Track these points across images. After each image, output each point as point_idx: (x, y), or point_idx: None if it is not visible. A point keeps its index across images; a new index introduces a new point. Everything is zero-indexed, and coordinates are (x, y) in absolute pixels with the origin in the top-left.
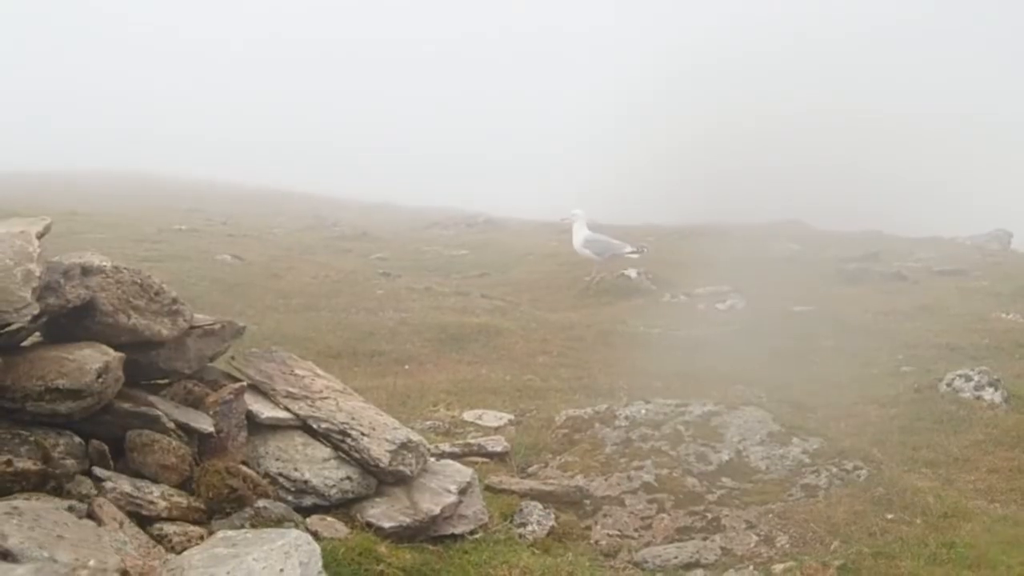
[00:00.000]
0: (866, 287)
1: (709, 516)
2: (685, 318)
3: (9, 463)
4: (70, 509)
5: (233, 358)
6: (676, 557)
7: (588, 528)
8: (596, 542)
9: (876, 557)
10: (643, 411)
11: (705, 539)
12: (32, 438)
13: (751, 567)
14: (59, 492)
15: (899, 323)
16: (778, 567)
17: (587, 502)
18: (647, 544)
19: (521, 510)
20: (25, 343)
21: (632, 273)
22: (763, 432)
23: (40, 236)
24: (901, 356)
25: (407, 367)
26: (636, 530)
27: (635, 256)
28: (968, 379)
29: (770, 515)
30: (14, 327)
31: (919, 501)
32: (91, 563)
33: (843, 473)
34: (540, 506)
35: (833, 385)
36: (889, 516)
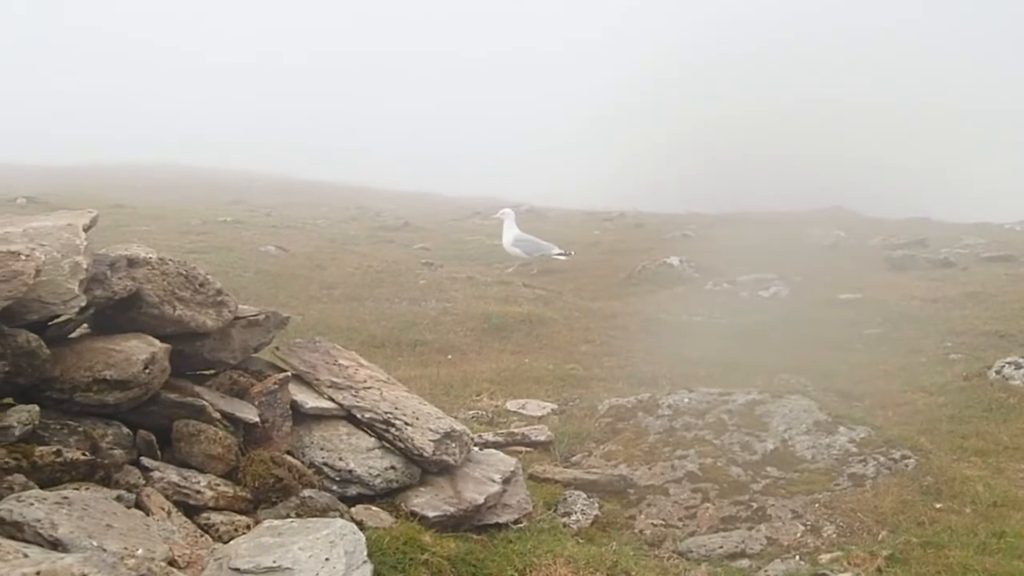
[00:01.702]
0: (912, 274)
1: (754, 506)
2: (728, 306)
3: (58, 453)
4: (118, 499)
5: (277, 348)
6: (721, 547)
7: (632, 517)
8: (640, 531)
9: (925, 547)
10: (686, 400)
11: (750, 529)
12: (81, 428)
13: (797, 557)
14: (107, 482)
15: (947, 310)
16: (825, 557)
17: (631, 491)
18: (691, 534)
19: (565, 499)
20: (73, 335)
21: (675, 261)
22: (809, 421)
23: (87, 229)
24: (949, 344)
25: (450, 356)
26: (680, 519)
27: (562, 258)
28: (1018, 366)
29: (816, 505)
30: (62, 319)
31: (968, 490)
32: (139, 552)
33: (891, 462)
34: (584, 495)
35: (880, 373)
36: (938, 505)
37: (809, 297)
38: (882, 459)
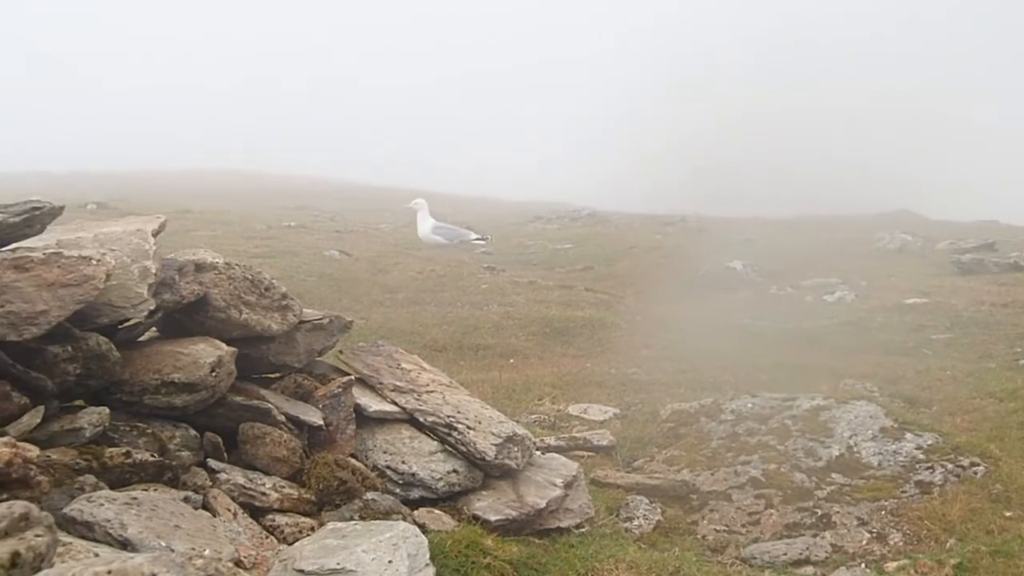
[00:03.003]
0: (981, 278)
1: (819, 512)
2: (792, 310)
3: (128, 454)
4: (186, 500)
5: (341, 352)
6: (785, 554)
7: (695, 523)
8: (703, 537)
9: (994, 556)
10: (749, 405)
11: (815, 536)
12: (149, 430)
13: (863, 565)
14: (175, 483)
15: (1017, 315)
16: (891, 565)
17: (693, 497)
18: (755, 540)
19: (627, 504)
20: (142, 338)
21: (738, 265)
22: (875, 427)
23: (156, 234)
24: (1019, 349)
25: (512, 361)
26: (744, 526)
27: (481, 243)
28: None
29: (883, 512)
30: (131, 322)
31: None
32: (206, 553)
33: (959, 469)
34: (646, 500)
35: (948, 379)
36: (1008, 514)
37: (875, 302)
38: (950, 466)
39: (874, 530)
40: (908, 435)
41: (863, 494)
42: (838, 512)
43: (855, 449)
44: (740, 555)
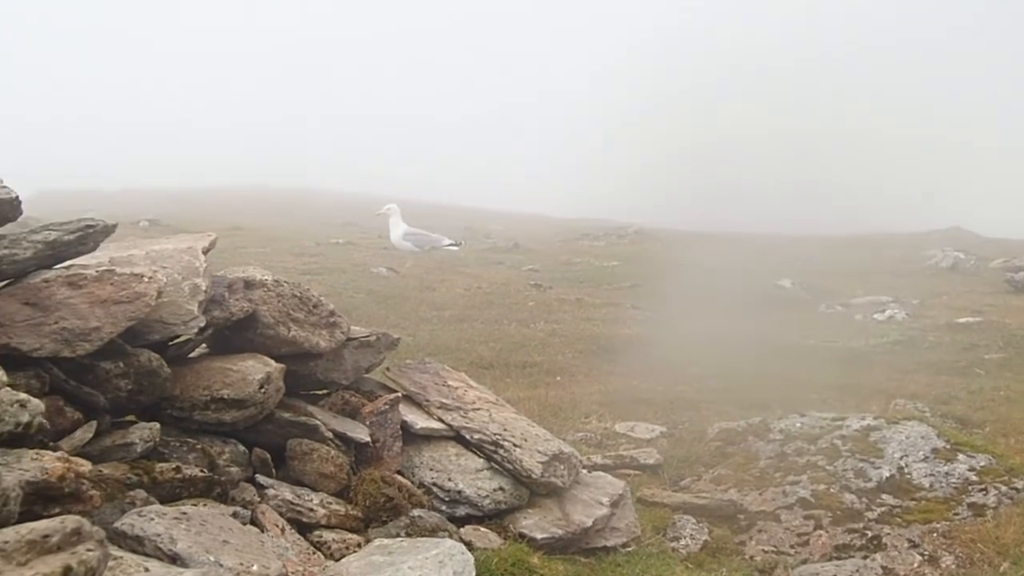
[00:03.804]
0: None
1: (869, 534)
2: (842, 329)
3: (178, 469)
4: (234, 515)
5: (388, 369)
6: (835, 575)
7: (742, 543)
8: (751, 558)
9: None
10: (798, 424)
11: (865, 557)
12: (199, 446)
13: None
14: (224, 498)
15: None
16: None
17: (741, 517)
18: (804, 561)
19: (674, 523)
20: (192, 354)
21: (786, 283)
22: (926, 448)
23: (206, 251)
24: None
25: (558, 378)
26: (792, 547)
27: (454, 248)
28: None
29: (934, 534)
30: (182, 339)
31: None
32: (255, 568)
33: (1013, 492)
34: (693, 520)
35: (1001, 400)
36: None
37: (926, 320)
38: (1004, 488)
39: (926, 553)
40: (960, 456)
41: (914, 516)
42: (889, 534)
43: (906, 470)
44: None
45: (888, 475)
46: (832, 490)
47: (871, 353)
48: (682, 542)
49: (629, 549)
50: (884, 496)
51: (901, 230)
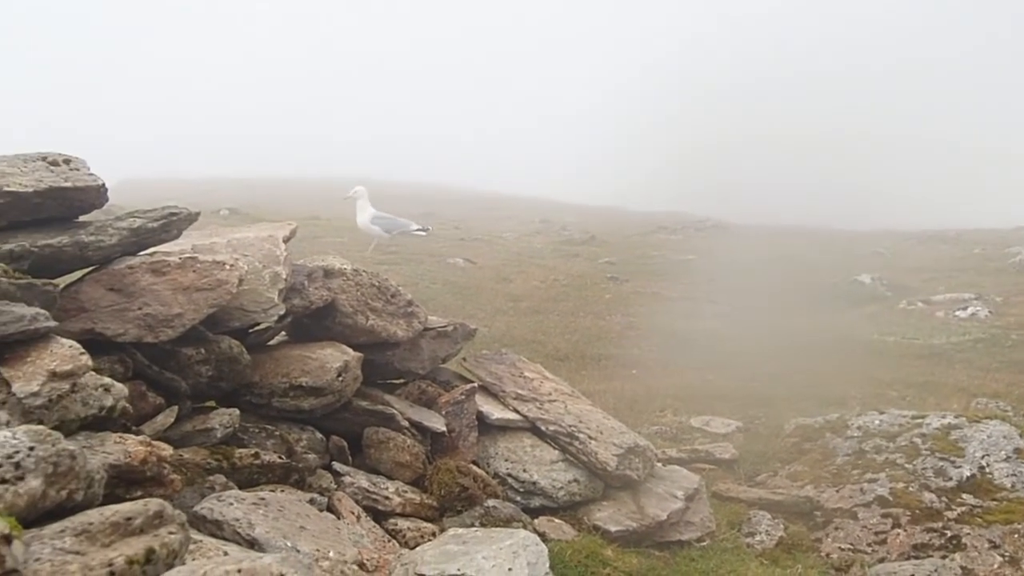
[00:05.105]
0: None
1: (948, 534)
2: (922, 326)
3: (256, 455)
4: (311, 502)
5: (464, 359)
6: (913, 575)
7: (818, 540)
8: (827, 555)
9: None
10: (876, 422)
11: (944, 557)
12: (277, 432)
13: None
14: (301, 485)
15: None
16: None
17: (817, 514)
18: (881, 560)
19: (749, 519)
20: (271, 342)
21: (866, 279)
22: (1009, 448)
23: (286, 240)
24: None
25: (634, 371)
26: (869, 545)
27: (422, 234)
28: None
29: (1016, 535)
30: (261, 326)
31: None
32: (331, 554)
33: None
34: (768, 516)
35: None
36: None
37: (1010, 318)
38: None
39: (1007, 554)
40: None
41: (995, 516)
42: (968, 534)
43: (987, 470)
44: (865, 575)
45: (969, 474)
46: (911, 489)
47: (952, 351)
48: (757, 538)
49: (703, 544)
50: (964, 496)
51: (983, 225)
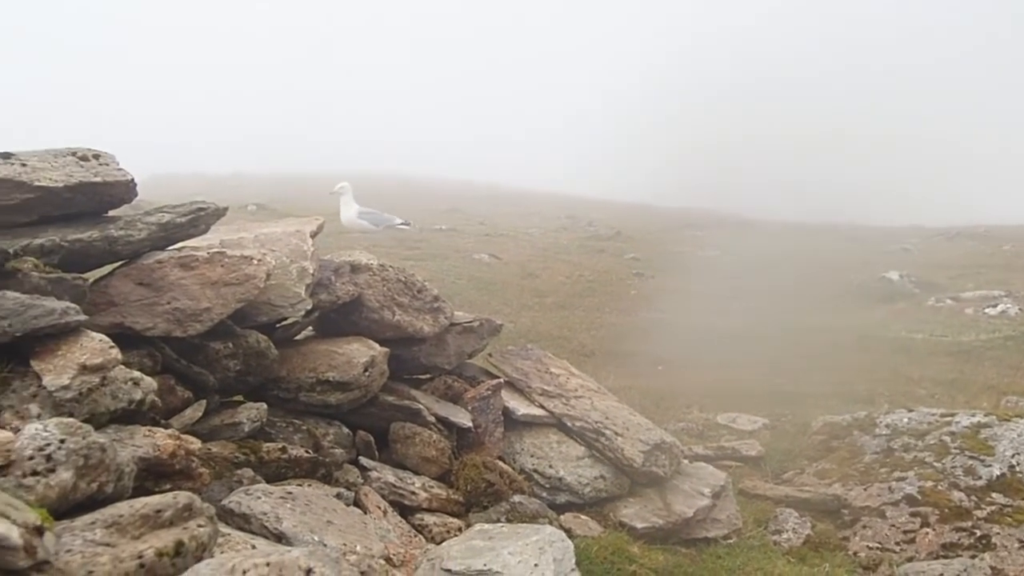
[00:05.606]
0: None
1: (978, 533)
2: (951, 323)
3: (284, 450)
4: (338, 496)
5: (490, 355)
6: (942, 574)
7: (846, 539)
8: (854, 553)
9: None
10: (905, 420)
11: (973, 557)
12: (304, 427)
13: None
14: (328, 479)
15: None
16: None
17: (845, 512)
18: (909, 559)
19: (776, 517)
20: (298, 337)
21: (894, 275)
22: None
23: (313, 235)
24: None
25: (660, 368)
26: (897, 544)
27: (406, 228)
28: None
29: None
30: (289, 321)
31: None
32: (358, 548)
33: None
34: (795, 514)
35: None
36: None
37: None
38: None
39: None
40: None
41: None
42: (999, 533)
43: (1018, 469)
44: (894, 574)
45: (999, 473)
46: (940, 487)
47: (982, 348)
48: (784, 536)
49: (730, 541)
50: (994, 495)
51: (1013, 222)
